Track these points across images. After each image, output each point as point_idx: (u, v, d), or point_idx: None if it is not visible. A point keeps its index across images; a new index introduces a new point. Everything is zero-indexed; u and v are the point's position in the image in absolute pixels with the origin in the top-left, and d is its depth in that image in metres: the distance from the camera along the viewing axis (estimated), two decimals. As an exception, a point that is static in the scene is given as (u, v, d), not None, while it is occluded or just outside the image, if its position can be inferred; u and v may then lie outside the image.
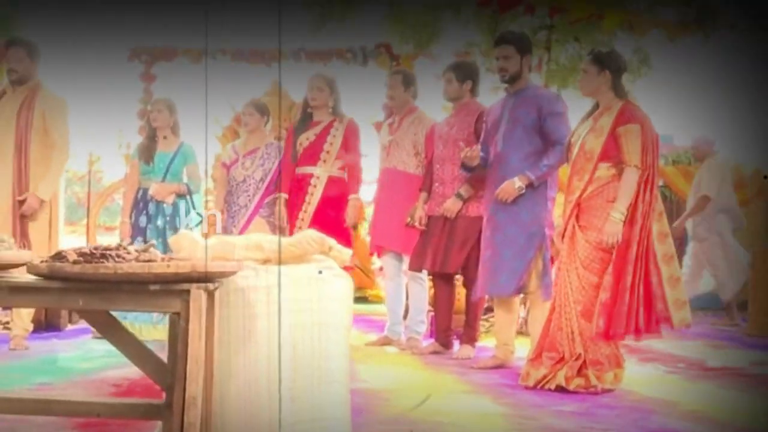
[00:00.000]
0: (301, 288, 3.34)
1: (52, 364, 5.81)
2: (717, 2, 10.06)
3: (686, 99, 13.13)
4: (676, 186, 11.19)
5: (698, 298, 10.31)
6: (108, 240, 10.99)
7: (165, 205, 7.20)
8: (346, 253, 3.56)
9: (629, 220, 5.01)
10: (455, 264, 6.47)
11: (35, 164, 6.38)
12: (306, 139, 7.10)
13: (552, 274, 5.70)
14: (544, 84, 9.79)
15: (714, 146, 9.45)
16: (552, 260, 5.83)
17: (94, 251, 2.90)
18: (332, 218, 6.92)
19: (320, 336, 3.32)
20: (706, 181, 9.10)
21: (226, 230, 7.18)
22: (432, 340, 6.82)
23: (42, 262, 2.91)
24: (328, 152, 7.05)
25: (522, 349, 6.09)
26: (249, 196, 7.29)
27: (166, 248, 5.86)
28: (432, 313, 7.02)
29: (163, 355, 3.26)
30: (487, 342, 6.84)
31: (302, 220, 7.02)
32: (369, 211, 10.07)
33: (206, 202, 8.21)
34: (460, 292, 6.82)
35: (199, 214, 7.42)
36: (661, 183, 8.87)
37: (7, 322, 6.99)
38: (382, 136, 7.26)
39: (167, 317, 6.46)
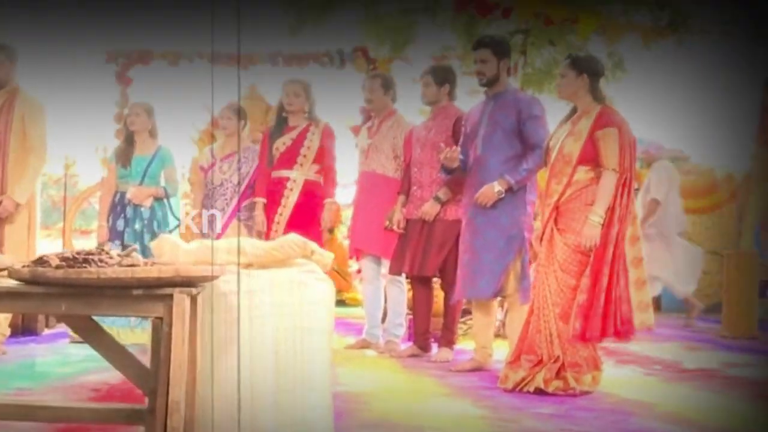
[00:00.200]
0: (283, 292, 3.34)
1: (30, 368, 5.77)
2: (690, 8, 10.13)
3: (660, 103, 13.22)
4: (651, 189, 11.24)
5: (673, 300, 10.42)
6: (84, 244, 10.96)
7: (142, 209, 7.19)
8: (328, 256, 3.58)
9: (607, 223, 5.05)
10: (433, 267, 6.49)
11: (13, 167, 6.34)
12: (282, 143, 7.09)
13: (530, 276, 5.73)
14: (520, 88, 9.83)
15: (663, 150, 9.53)
16: (530, 263, 5.86)
17: (77, 256, 2.90)
18: (307, 221, 6.92)
19: (302, 340, 3.33)
20: (655, 184, 9.18)
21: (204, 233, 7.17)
22: (410, 344, 6.83)
23: (24, 267, 2.91)
24: (305, 156, 7.05)
25: (500, 351, 6.13)
26: (226, 199, 7.28)
27: (144, 252, 5.85)
28: (410, 316, 7.03)
29: (143, 359, 3.26)
30: (464, 345, 6.85)
31: (278, 223, 7.02)
32: (345, 214, 10.09)
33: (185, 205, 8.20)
34: (438, 295, 6.84)
35: (176, 217, 7.41)
36: (636, 186, 8.93)
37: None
38: (360, 139, 7.27)
39: (144, 321, 6.47)
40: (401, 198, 6.68)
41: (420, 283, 6.68)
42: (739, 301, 8.24)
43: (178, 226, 7.42)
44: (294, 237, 3.48)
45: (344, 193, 9.51)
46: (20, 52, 6.84)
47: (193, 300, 2.98)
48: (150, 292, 2.85)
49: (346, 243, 10.09)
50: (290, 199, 7.03)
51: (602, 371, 5.21)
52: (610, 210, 5.06)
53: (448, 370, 5.93)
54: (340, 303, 10.75)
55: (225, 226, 7.20)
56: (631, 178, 5.15)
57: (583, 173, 5.15)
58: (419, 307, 6.71)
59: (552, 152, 5.30)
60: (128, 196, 7.17)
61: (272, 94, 10.65)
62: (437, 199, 6.41)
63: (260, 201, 7.08)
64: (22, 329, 7.38)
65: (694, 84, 12.65)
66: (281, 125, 7.19)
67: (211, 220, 6.90)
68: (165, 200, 7.27)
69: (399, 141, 6.87)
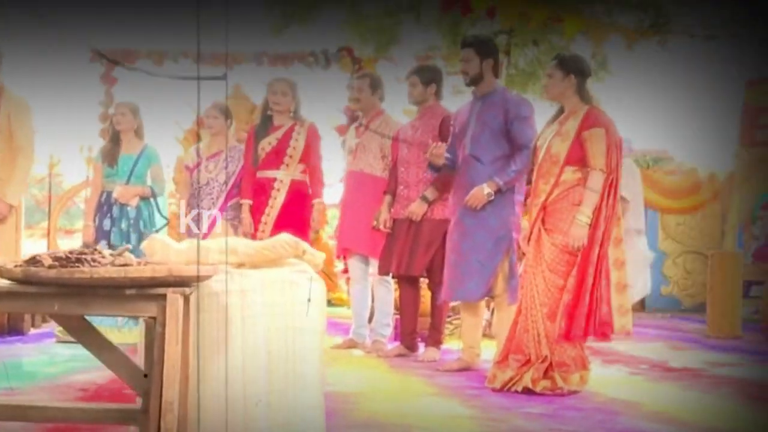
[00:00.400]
0: (275, 292, 3.34)
1: (17, 368, 5.74)
2: (673, 9, 10.20)
3: (643, 103, 13.29)
4: (635, 190, 11.29)
5: (657, 299, 10.48)
6: (68, 243, 10.92)
7: (129, 208, 7.17)
8: (320, 256, 3.58)
9: (593, 224, 5.08)
10: (420, 267, 6.50)
11: (0, 168, 6.32)
12: (268, 143, 7.06)
13: (518, 277, 5.74)
14: (504, 89, 9.86)
15: (631, 146, 9.57)
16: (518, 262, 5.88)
17: (70, 255, 2.89)
18: (295, 222, 6.90)
19: (294, 340, 3.33)
20: (623, 183, 9.20)
21: (190, 233, 7.15)
22: (397, 343, 6.84)
23: (17, 266, 2.89)
24: (291, 156, 7.02)
25: (487, 351, 6.15)
26: (213, 198, 7.25)
27: (132, 251, 5.83)
28: (397, 316, 7.04)
29: (132, 359, 3.26)
30: (451, 344, 6.87)
31: (265, 223, 7.00)
32: (329, 214, 10.08)
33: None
34: (425, 294, 6.85)
35: (164, 216, 7.40)
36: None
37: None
38: (348, 138, 7.27)
39: (131, 321, 6.45)
40: (387, 198, 6.69)
41: (407, 282, 6.69)
42: (724, 301, 8.28)
43: (166, 225, 7.40)
44: (286, 237, 3.49)
45: (328, 193, 9.50)
46: (4, 51, 6.82)
47: (186, 300, 2.97)
48: (143, 292, 2.84)
49: (331, 243, 10.10)
50: (278, 199, 7.01)
51: (590, 370, 5.24)
52: (597, 210, 5.09)
53: (436, 370, 5.94)
54: (327, 303, 10.75)
55: (211, 225, 7.18)
56: (618, 179, 5.19)
57: (570, 173, 5.17)
58: (406, 306, 6.71)
59: (539, 152, 5.32)
60: (114, 195, 7.16)
61: (257, 94, 10.63)
62: (424, 198, 6.42)
63: (246, 203, 7.04)
64: (8, 329, 7.35)
65: (677, 84, 12.75)
66: (266, 124, 7.15)
67: (199, 219, 6.88)
68: (152, 199, 7.25)
69: (387, 141, 6.87)
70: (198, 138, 10.01)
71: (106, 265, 2.87)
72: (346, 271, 8.33)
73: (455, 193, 6.02)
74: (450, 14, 10.27)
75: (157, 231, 7.17)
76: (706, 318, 8.53)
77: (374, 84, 7.07)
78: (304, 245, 3.50)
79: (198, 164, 7.37)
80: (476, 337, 6.08)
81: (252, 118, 9.80)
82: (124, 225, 7.14)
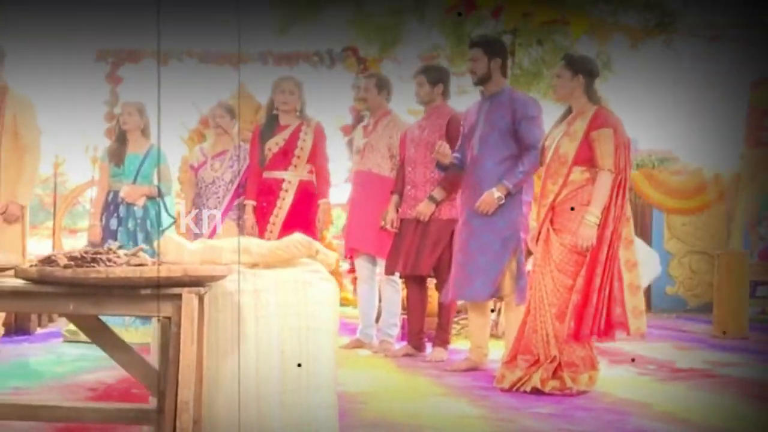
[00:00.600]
0: (288, 292, 3.35)
1: (24, 368, 5.76)
2: (678, 10, 10.18)
3: (648, 103, 13.27)
4: (641, 190, 11.30)
5: (663, 299, 10.47)
6: (72, 243, 10.92)
7: (136, 208, 7.16)
8: (332, 256, 3.58)
9: (602, 224, 5.08)
10: (427, 266, 6.50)
11: (6, 168, 6.31)
12: (275, 143, 7.02)
13: (526, 277, 5.74)
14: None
15: (636, 146, 9.57)
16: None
17: (85, 255, 2.89)
18: (303, 222, 6.88)
19: (308, 340, 3.33)
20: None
21: (190, 233, 7.14)
22: (404, 343, 6.84)
23: (32, 266, 2.90)
24: (299, 156, 7.00)
25: (495, 351, 6.14)
26: (219, 198, 7.24)
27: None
28: (404, 316, 7.04)
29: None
30: (458, 344, 6.87)
31: (273, 224, 6.98)
32: (334, 214, 10.07)
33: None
34: (432, 294, 6.85)
35: (171, 216, 7.39)
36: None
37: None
38: (356, 138, 7.27)
39: (138, 320, 6.45)
40: (394, 197, 6.68)
41: (414, 282, 6.69)
42: (730, 301, 8.28)
43: (173, 224, 7.39)
44: (299, 237, 3.49)
45: (334, 193, 9.49)
46: (8, 50, 6.81)
47: (200, 300, 2.97)
48: (158, 292, 2.84)
49: (335, 243, 10.09)
50: (286, 200, 6.99)
51: (599, 371, 5.24)
52: (606, 210, 5.09)
53: (443, 370, 5.94)
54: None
55: (214, 226, 7.16)
56: (626, 179, 5.18)
57: (578, 174, 5.17)
58: (414, 306, 6.71)
59: (547, 152, 5.32)
60: (121, 194, 7.15)
61: (261, 93, 10.62)
62: (432, 198, 6.42)
63: (250, 203, 7.02)
64: (15, 328, 7.35)
65: (682, 84, 12.71)
66: (272, 124, 7.13)
67: (207, 218, 6.87)
68: (158, 199, 7.26)
69: (395, 140, 6.86)
70: (202, 137, 10.02)
71: (122, 265, 2.87)
72: (352, 270, 8.33)
73: (463, 193, 6.02)
74: (454, 14, 10.26)
75: (164, 230, 7.17)
76: (712, 318, 8.53)
77: (381, 84, 7.06)
78: (317, 245, 3.50)
79: (203, 163, 7.35)
80: (484, 337, 6.08)
81: (256, 117, 9.79)
82: (131, 224, 7.13)
